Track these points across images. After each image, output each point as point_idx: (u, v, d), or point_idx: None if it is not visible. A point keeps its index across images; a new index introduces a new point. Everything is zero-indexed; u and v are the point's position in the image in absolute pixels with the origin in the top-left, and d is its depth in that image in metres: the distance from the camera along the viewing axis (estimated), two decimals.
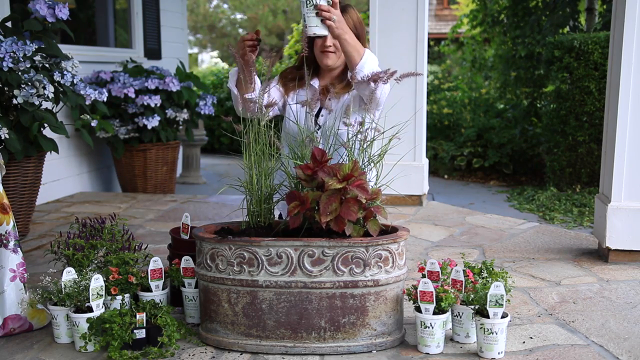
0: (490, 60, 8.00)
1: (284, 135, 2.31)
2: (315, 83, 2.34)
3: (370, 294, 1.85)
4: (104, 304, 1.97)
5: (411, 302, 1.92)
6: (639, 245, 2.72)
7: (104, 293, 1.94)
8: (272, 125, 2.04)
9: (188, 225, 2.25)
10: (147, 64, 5.35)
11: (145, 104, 4.44)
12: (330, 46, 2.26)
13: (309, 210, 1.80)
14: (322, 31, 1.99)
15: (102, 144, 4.79)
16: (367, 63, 2.10)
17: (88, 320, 1.88)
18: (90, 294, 1.89)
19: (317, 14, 1.96)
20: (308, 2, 1.95)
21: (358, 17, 2.31)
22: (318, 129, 2.26)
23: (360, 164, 1.93)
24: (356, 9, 2.36)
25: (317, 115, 2.31)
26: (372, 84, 2.00)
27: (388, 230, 1.94)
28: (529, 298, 2.35)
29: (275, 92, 2.34)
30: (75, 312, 1.92)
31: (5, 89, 2.96)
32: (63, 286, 1.93)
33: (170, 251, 2.30)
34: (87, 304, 1.92)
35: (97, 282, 1.91)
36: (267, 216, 1.99)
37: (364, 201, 1.83)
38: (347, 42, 2.05)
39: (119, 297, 2.02)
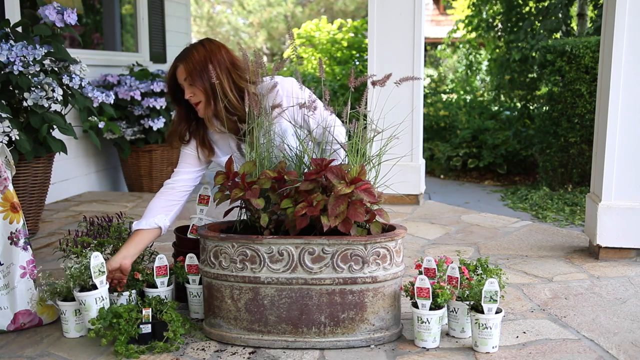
0: (485, 64, 8.07)
1: (294, 139, 2.28)
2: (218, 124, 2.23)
3: (368, 291, 1.88)
4: (111, 299, 2.01)
5: (408, 298, 1.95)
6: (629, 242, 2.75)
7: (105, 270, 1.96)
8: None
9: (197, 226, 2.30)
10: (153, 67, 5.40)
11: (151, 106, 4.49)
12: (190, 96, 2.11)
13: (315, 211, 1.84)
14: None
15: (109, 145, 4.83)
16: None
17: (98, 306, 1.92)
18: (92, 272, 1.91)
19: None
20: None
21: (205, 53, 2.09)
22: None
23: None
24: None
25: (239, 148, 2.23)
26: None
27: (386, 229, 1.96)
28: (522, 294, 2.38)
29: (190, 159, 2.27)
30: (80, 291, 1.94)
31: (16, 91, 2.99)
32: (67, 270, 1.97)
33: (175, 249, 2.32)
34: (90, 283, 1.95)
35: (96, 259, 1.92)
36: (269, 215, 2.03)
37: (369, 205, 1.88)
38: None
39: (126, 293, 2.05)
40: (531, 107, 6.80)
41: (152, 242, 2.21)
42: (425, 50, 6.68)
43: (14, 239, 2.06)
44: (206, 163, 2.31)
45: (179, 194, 2.25)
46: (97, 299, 1.94)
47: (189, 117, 2.21)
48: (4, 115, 2.86)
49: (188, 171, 2.28)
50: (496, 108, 7.47)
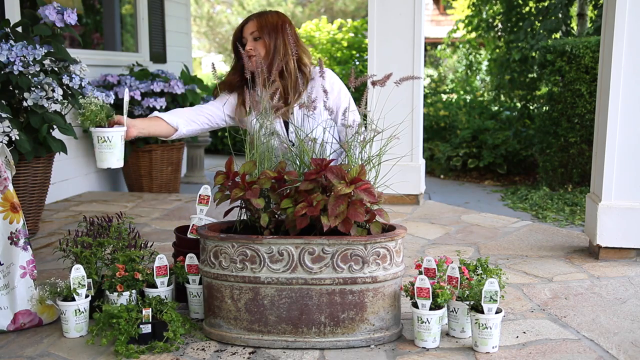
0: (485, 64, 8.07)
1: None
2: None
3: (368, 291, 1.88)
4: (111, 299, 2.00)
5: (408, 298, 1.95)
6: (629, 242, 2.75)
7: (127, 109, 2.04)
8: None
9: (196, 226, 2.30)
10: (153, 67, 5.40)
11: (151, 106, 4.49)
12: (250, 49, 2.28)
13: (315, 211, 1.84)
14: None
15: None
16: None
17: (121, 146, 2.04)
18: (125, 107, 2.06)
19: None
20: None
21: (279, 19, 2.33)
22: (292, 145, 2.26)
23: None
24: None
25: (287, 128, 2.34)
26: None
27: (386, 229, 1.97)
28: (522, 294, 2.38)
29: (227, 103, 2.36)
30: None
31: (16, 91, 2.99)
32: (85, 107, 2.03)
33: (175, 249, 2.32)
34: (105, 123, 2.05)
35: (128, 96, 2.10)
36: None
37: (369, 205, 1.88)
38: None
39: (126, 293, 2.05)
40: (531, 107, 6.80)
41: (161, 135, 2.28)
42: (425, 50, 6.67)
43: (14, 239, 2.06)
44: (235, 119, 2.40)
45: (202, 119, 2.35)
46: (122, 136, 2.05)
47: (242, 75, 2.31)
48: (4, 115, 2.86)
49: (219, 108, 2.37)
50: (496, 108, 7.47)
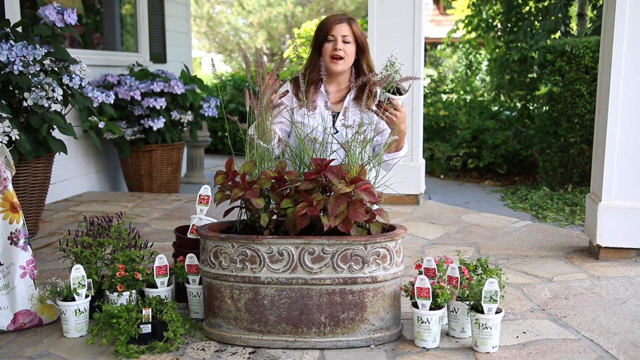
0: (485, 64, 8.07)
1: (293, 139, 2.34)
2: (323, 88, 2.38)
3: (368, 291, 1.88)
4: (111, 299, 2.00)
5: (408, 298, 1.95)
6: (629, 242, 2.75)
7: None
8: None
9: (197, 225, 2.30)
10: (153, 67, 5.40)
11: (151, 106, 4.50)
12: (340, 50, 2.32)
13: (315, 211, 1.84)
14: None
15: (109, 145, 4.84)
16: (404, 149, 2.35)
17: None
18: None
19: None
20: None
21: (361, 29, 2.43)
22: (335, 133, 2.30)
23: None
24: (356, 17, 2.46)
25: (334, 119, 2.37)
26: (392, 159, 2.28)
27: (386, 229, 1.97)
28: (522, 294, 2.39)
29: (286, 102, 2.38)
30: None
31: (16, 91, 3.00)
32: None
33: (175, 249, 2.32)
34: None
35: None
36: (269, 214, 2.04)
37: (369, 204, 1.88)
38: (403, 133, 2.26)
39: (126, 293, 2.05)
40: (531, 107, 6.80)
41: None
42: (425, 50, 6.67)
43: (14, 239, 2.06)
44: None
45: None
46: None
47: (319, 72, 2.33)
48: (4, 115, 2.86)
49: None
50: (496, 108, 7.48)
